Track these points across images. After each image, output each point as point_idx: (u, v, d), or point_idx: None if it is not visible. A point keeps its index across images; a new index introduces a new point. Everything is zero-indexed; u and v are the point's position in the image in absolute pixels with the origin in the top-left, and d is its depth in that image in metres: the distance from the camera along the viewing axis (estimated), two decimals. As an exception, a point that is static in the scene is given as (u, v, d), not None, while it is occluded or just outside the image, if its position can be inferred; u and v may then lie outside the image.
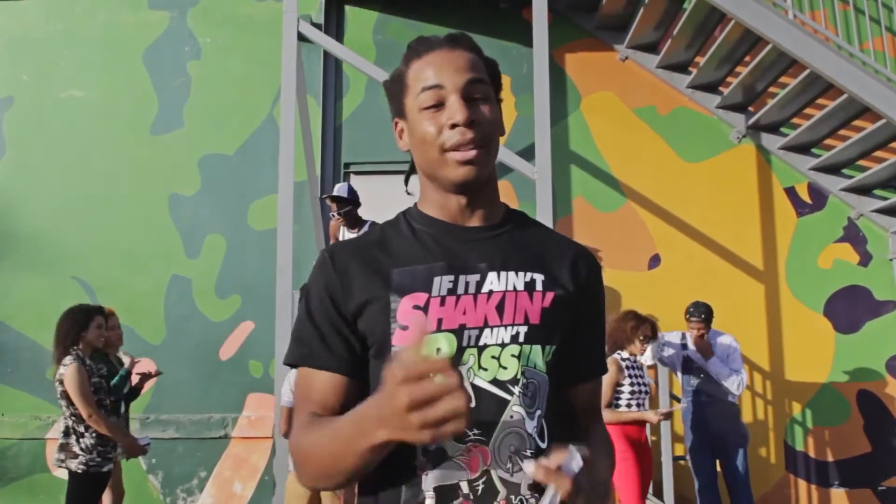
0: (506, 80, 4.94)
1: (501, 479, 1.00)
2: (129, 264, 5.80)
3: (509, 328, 1.05)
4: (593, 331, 1.19)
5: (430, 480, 1.00)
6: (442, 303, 1.04)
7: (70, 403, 3.63)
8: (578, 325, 1.13)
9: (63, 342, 3.71)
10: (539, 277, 1.10)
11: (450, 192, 1.10)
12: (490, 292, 1.06)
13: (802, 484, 5.43)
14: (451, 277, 1.06)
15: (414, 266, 1.08)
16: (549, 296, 1.09)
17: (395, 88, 1.12)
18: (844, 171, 5.73)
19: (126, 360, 4.25)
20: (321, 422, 1.01)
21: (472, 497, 0.99)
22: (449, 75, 1.05)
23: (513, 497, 1.00)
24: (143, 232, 5.86)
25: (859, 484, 5.41)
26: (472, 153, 1.04)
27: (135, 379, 4.30)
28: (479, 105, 1.06)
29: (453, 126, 1.04)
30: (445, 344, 1.03)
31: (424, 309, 1.04)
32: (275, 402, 4.52)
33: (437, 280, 1.06)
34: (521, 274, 1.09)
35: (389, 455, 1.00)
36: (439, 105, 1.05)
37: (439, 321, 1.03)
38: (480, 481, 1.00)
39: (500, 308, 1.05)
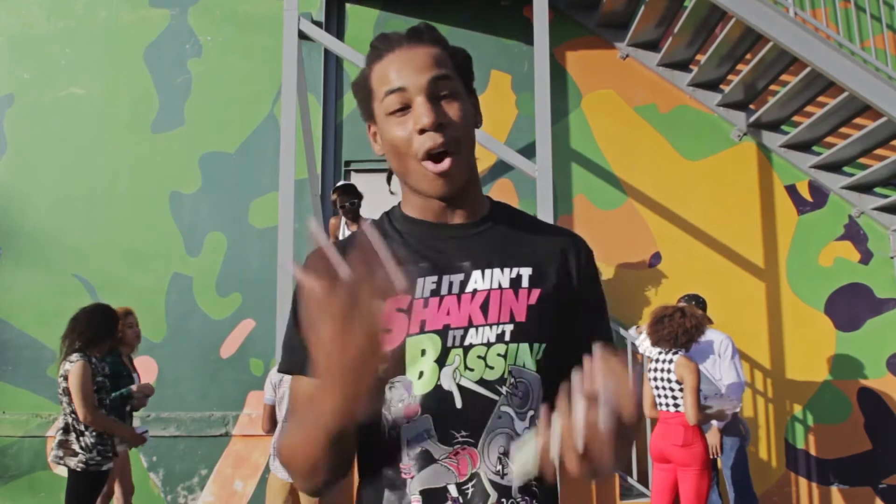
0: (506, 78, 4.97)
1: (492, 482, 0.98)
2: (129, 262, 5.81)
3: (494, 327, 1.02)
4: (593, 313, 1.14)
5: (415, 484, 0.97)
6: (425, 304, 1.02)
7: (72, 400, 3.62)
8: (575, 313, 1.10)
9: (75, 339, 3.68)
10: (526, 273, 1.06)
11: (429, 197, 1.06)
12: (474, 291, 1.03)
13: (803, 482, 5.43)
14: (435, 278, 1.03)
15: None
16: (536, 293, 1.05)
17: (362, 92, 1.08)
18: (845, 168, 5.73)
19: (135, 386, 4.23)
20: (294, 420, 0.99)
21: (461, 500, 0.97)
22: (411, 76, 1.00)
23: (504, 500, 0.98)
24: (144, 230, 5.87)
25: (860, 482, 5.41)
26: (446, 164, 1.00)
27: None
28: (447, 102, 1.01)
29: (422, 131, 1.00)
30: (430, 345, 1.00)
31: (407, 311, 1.01)
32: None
33: (420, 282, 1.03)
34: (506, 270, 1.06)
35: (373, 456, 1.00)
36: (405, 108, 1.01)
37: (422, 322, 1.01)
38: (470, 484, 0.98)
39: (484, 307, 1.02)
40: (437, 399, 0.99)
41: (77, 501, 3.61)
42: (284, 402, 3.63)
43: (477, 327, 1.01)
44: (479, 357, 1.00)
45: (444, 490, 0.97)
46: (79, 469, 3.59)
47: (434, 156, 1.00)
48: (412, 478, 0.98)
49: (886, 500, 5.37)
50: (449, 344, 1.00)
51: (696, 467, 3.71)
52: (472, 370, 1.00)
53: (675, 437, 3.73)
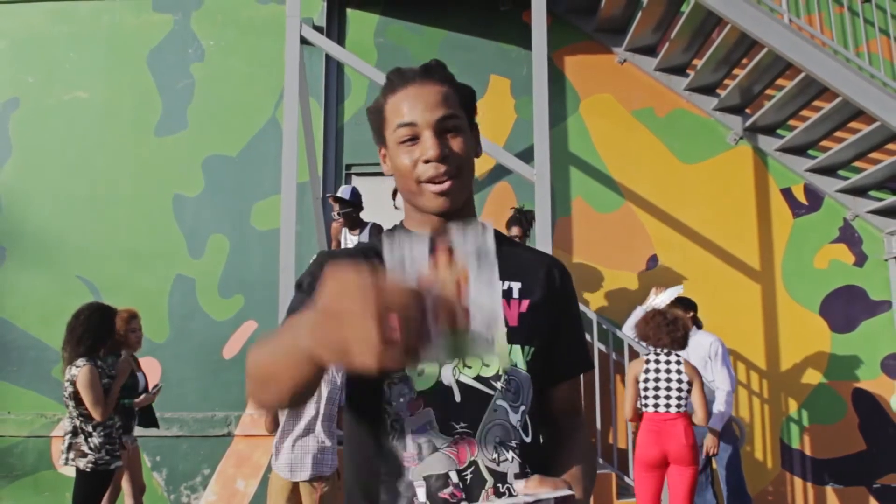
0: (505, 83, 5.05)
1: (488, 469, 1.07)
2: (133, 264, 5.87)
3: None
4: (569, 332, 1.27)
5: (418, 470, 1.06)
6: None
7: (79, 404, 3.66)
8: (556, 328, 1.22)
9: (77, 342, 3.73)
10: (516, 286, 1.19)
11: (430, 213, 1.17)
12: None
13: (798, 481, 5.49)
14: None
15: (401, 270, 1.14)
16: (525, 302, 1.18)
17: (376, 119, 1.19)
18: (840, 172, 5.79)
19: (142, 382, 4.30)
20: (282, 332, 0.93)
21: (461, 486, 1.06)
22: (421, 112, 1.12)
23: (499, 485, 1.07)
24: (147, 232, 5.93)
25: (854, 482, 5.47)
26: (446, 185, 1.12)
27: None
28: (451, 137, 1.13)
29: (427, 161, 1.11)
30: None
31: None
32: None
33: None
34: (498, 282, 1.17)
35: (378, 443, 1.08)
36: (414, 139, 1.13)
37: None
38: (469, 471, 1.07)
39: None
40: (438, 394, 1.08)
41: (85, 500, 3.67)
42: (287, 402, 3.68)
43: None
44: None
45: (446, 476, 1.06)
46: (88, 469, 3.65)
47: (435, 182, 1.12)
48: (416, 465, 1.07)
49: (880, 499, 5.43)
50: None
51: (696, 466, 3.81)
52: (469, 367, 1.10)
53: (684, 436, 3.79)
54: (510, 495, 1.06)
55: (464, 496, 1.06)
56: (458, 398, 1.08)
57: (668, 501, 3.91)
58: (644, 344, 4.18)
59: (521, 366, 1.15)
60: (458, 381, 1.09)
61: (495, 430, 1.09)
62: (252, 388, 0.95)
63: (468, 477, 1.07)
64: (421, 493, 1.06)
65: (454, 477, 1.06)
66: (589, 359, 1.31)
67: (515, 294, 1.18)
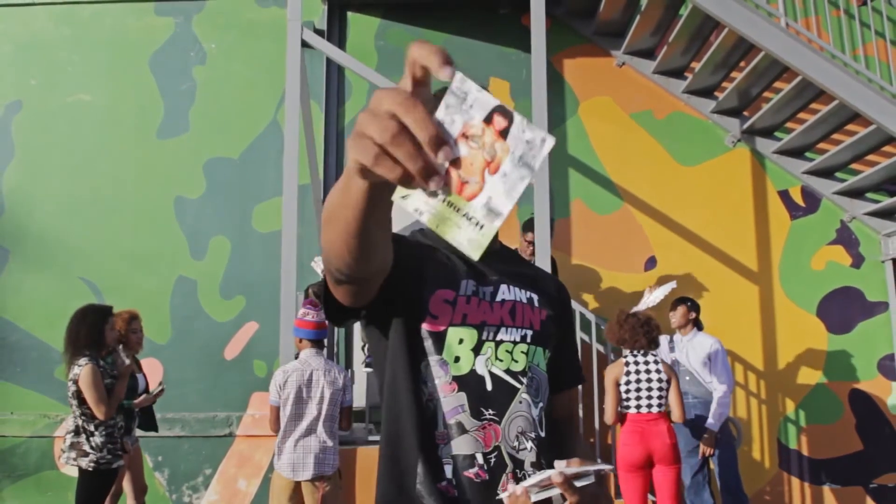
0: (505, 85, 5.07)
1: (509, 455, 1.18)
2: (135, 265, 5.91)
3: (520, 329, 1.25)
4: (572, 348, 1.43)
5: (448, 448, 1.16)
6: (467, 301, 1.22)
7: (81, 403, 3.70)
8: (561, 342, 1.36)
9: (76, 343, 3.77)
10: (535, 296, 1.31)
11: None
12: (503, 300, 1.26)
13: (795, 481, 5.53)
14: (474, 282, 1.25)
15: (444, 266, 1.25)
16: (544, 312, 1.31)
17: None
18: (837, 174, 5.83)
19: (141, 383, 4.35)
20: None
21: (485, 468, 1.16)
22: None
23: (518, 471, 1.18)
24: (149, 234, 5.97)
25: (851, 482, 5.51)
26: None
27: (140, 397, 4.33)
28: None
29: None
30: (467, 336, 1.20)
31: (453, 304, 1.21)
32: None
33: (463, 282, 1.24)
34: (523, 290, 1.30)
35: (411, 423, 1.17)
36: None
37: (464, 316, 1.21)
38: (493, 455, 1.17)
39: (512, 313, 1.25)
40: (471, 381, 1.19)
41: (87, 500, 3.70)
42: (289, 403, 3.73)
43: (507, 327, 1.24)
44: (507, 351, 1.22)
45: (473, 457, 1.16)
46: (90, 468, 3.69)
47: None
48: (445, 444, 1.17)
49: (877, 499, 5.46)
50: (484, 337, 1.21)
51: (679, 464, 3.87)
52: (501, 361, 1.21)
53: (667, 435, 3.85)
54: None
55: (487, 477, 1.15)
56: (489, 387, 1.19)
57: (657, 502, 3.95)
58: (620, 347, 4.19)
59: (542, 366, 1.27)
60: (490, 372, 1.20)
61: (518, 420, 1.19)
62: (322, 235, 0.91)
63: (492, 460, 1.16)
64: (448, 470, 1.15)
65: (480, 459, 1.16)
66: (582, 373, 1.47)
67: (536, 303, 1.30)
